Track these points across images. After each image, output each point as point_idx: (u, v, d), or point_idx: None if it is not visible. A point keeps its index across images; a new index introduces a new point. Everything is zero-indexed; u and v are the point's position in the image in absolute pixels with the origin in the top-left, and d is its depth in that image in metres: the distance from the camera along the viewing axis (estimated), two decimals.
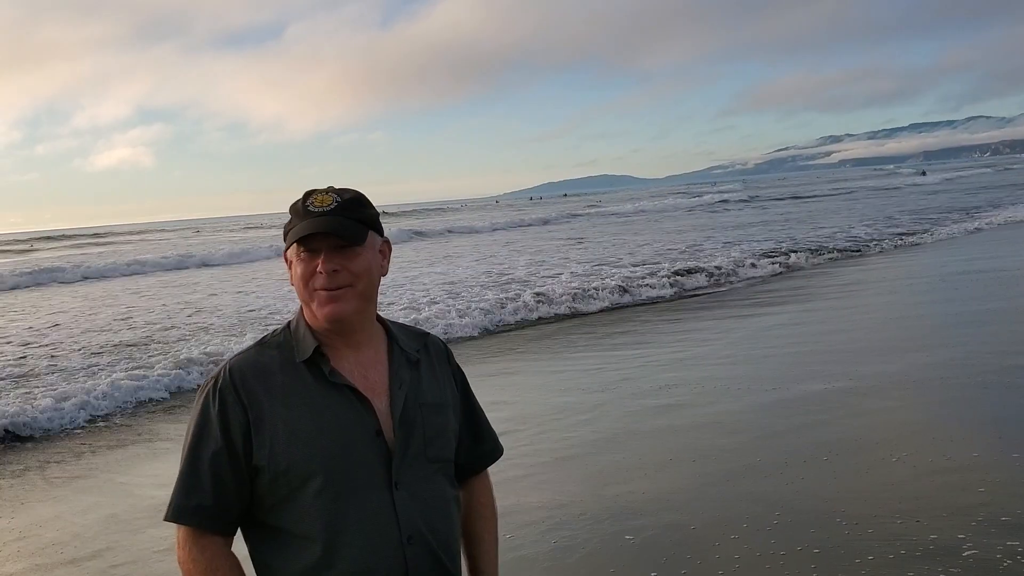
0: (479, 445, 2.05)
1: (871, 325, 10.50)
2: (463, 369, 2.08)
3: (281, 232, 1.89)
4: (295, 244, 1.78)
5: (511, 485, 5.45)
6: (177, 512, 1.76)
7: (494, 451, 2.10)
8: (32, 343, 13.23)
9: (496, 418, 6.72)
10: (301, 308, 1.87)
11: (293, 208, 1.82)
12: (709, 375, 8.29)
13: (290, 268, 1.85)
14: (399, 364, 1.87)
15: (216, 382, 1.80)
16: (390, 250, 1.91)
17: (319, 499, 1.73)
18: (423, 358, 1.93)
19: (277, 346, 1.85)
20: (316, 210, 1.77)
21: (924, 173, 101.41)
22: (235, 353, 1.89)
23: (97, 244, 57.83)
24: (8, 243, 67.03)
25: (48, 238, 74.74)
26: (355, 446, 1.75)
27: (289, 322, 1.90)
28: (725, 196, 68.16)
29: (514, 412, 7.38)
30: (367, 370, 1.83)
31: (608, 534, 4.62)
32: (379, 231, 1.86)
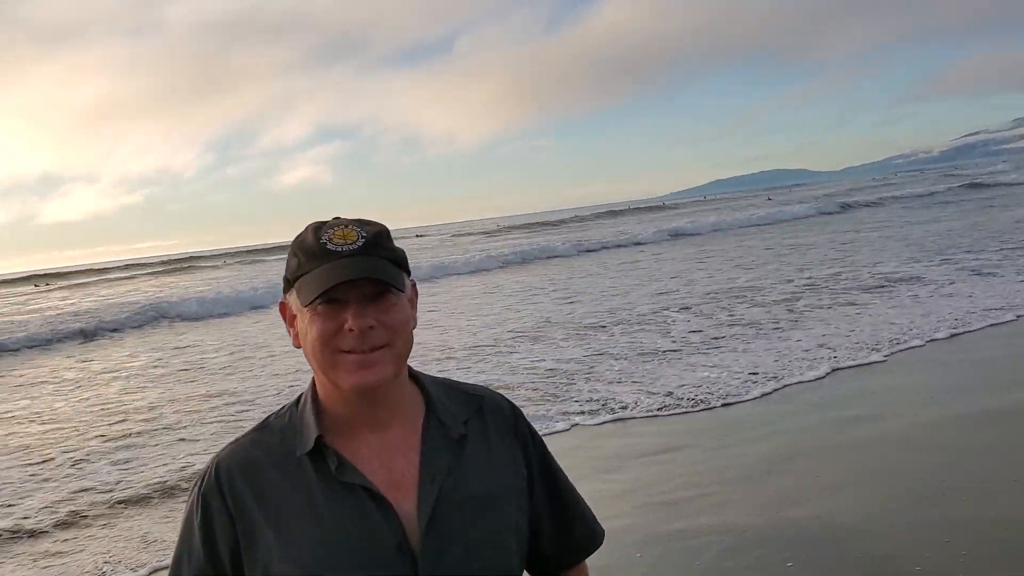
0: (567, 534, 1.58)
1: None
2: (539, 435, 1.61)
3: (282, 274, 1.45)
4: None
5: (680, 506, 5.23)
6: None
7: (591, 539, 1.63)
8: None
9: (675, 430, 6.42)
10: (312, 380, 1.47)
11: (302, 246, 1.40)
12: (899, 383, 7.70)
13: (293, 324, 1.44)
14: (434, 446, 1.42)
15: (201, 484, 1.42)
16: (417, 296, 1.50)
17: None
18: (474, 431, 1.48)
19: (280, 431, 1.44)
20: (339, 248, 1.36)
21: None
22: (231, 441, 1.49)
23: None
24: (211, 257, 71.97)
25: (247, 251, 79.83)
26: (369, 566, 1.33)
27: (300, 396, 1.49)
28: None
29: (687, 426, 7.11)
30: (392, 458, 1.41)
31: (778, 561, 4.30)
32: (409, 272, 1.46)
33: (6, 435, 9.34)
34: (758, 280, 16.47)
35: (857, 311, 11.56)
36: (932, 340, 9.15)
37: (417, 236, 79.14)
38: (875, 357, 8.67)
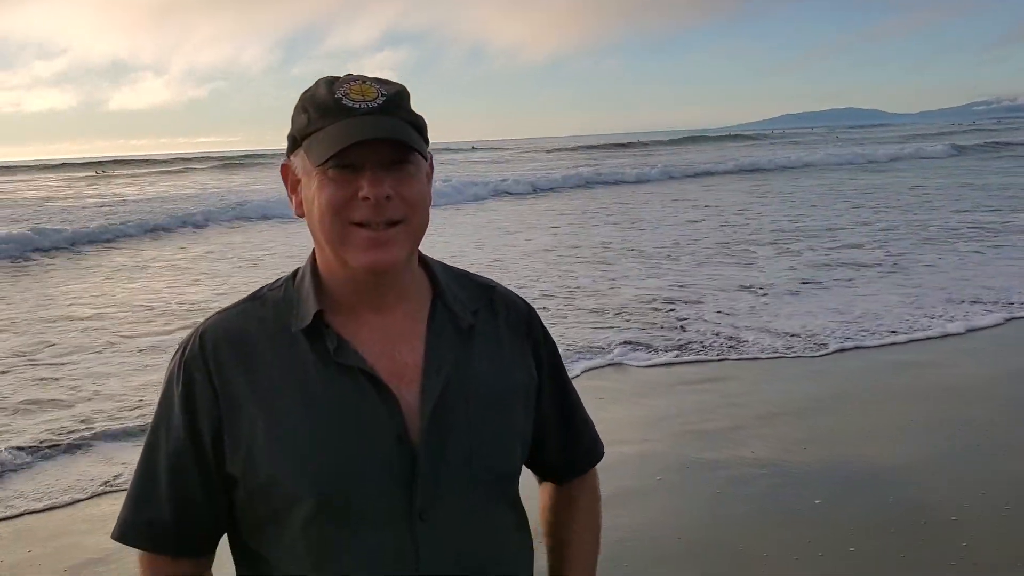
0: (573, 446, 1.48)
1: None
2: (552, 338, 1.46)
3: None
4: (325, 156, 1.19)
5: (726, 435, 5.24)
6: (124, 528, 1.29)
7: (591, 453, 1.52)
8: None
9: (713, 366, 6.34)
10: (313, 253, 1.31)
11: (313, 100, 1.23)
12: (963, 330, 7.53)
13: (295, 189, 1.28)
14: (441, 335, 1.29)
15: (183, 352, 1.27)
16: (433, 171, 1.33)
17: (309, 530, 1.21)
18: (483, 322, 1.34)
19: (273, 304, 1.29)
20: (357, 105, 1.20)
21: None
22: (218, 310, 1.34)
23: None
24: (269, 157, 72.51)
25: None
26: (364, 458, 1.21)
27: (297, 270, 1.33)
28: None
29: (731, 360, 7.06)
30: (395, 344, 1.26)
31: (806, 497, 4.30)
32: (428, 142, 1.29)
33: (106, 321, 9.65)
34: (843, 217, 16.11)
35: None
36: None
37: (473, 148, 78.00)
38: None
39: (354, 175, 1.19)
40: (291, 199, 1.30)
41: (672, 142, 75.31)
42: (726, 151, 52.27)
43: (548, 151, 66.22)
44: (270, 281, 1.35)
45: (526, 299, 1.48)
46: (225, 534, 1.33)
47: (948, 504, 4.13)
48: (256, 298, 1.32)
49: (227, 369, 1.24)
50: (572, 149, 65.47)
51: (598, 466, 1.55)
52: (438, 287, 1.33)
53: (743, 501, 4.32)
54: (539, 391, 1.40)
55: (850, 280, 10.07)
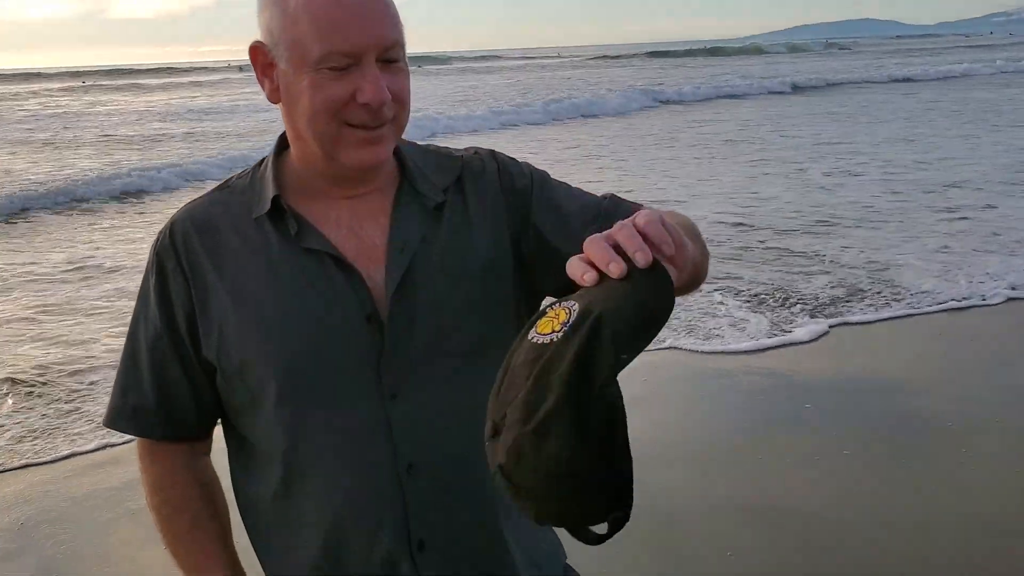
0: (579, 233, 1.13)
1: None
2: (533, 170, 1.34)
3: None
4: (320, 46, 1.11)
5: (735, 358, 5.23)
6: (113, 415, 1.32)
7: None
8: None
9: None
10: (280, 140, 1.29)
11: None
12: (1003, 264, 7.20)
13: (268, 73, 1.19)
14: (407, 214, 1.25)
15: (156, 244, 1.27)
16: None
17: (282, 411, 1.21)
18: (454, 198, 1.28)
19: (240, 191, 1.27)
20: None
21: None
22: (188, 201, 1.33)
23: None
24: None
25: None
26: (330, 339, 1.19)
27: (263, 159, 1.31)
28: None
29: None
30: (362, 225, 1.24)
31: (796, 407, 4.33)
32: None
33: None
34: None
35: None
36: None
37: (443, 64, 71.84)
38: None
39: (349, 72, 1.12)
40: (263, 83, 1.21)
41: (704, 52, 67.57)
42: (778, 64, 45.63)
43: (603, 58, 61.93)
44: (239, 171, 1.34)
45: (492, 150, 1.38)
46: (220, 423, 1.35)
47: (945, 413, 4.16)
48: (224, 187, 1.31)
49: (196, 257, 1.24)
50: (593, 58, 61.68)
51: None
52: (406, 169, 1.29)
53: (737, 406, 4.39)
54: (519, 246, 1.29)
55: None
